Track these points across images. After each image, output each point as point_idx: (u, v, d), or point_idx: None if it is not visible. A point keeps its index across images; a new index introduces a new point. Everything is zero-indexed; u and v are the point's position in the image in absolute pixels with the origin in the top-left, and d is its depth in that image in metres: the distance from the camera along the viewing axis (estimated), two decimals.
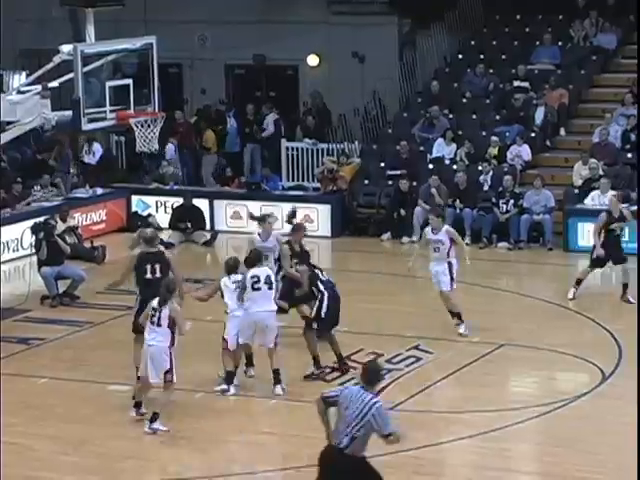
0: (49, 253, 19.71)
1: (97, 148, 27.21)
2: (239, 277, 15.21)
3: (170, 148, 26.80)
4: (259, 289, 15.07)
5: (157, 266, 14.92)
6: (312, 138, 27.06)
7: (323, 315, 15.64)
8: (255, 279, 15.09)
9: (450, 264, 17.51)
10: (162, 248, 15.78)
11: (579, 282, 19.38)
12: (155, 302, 13.96)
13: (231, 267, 15.46)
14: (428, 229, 17.84)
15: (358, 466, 10.21)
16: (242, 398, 15.23)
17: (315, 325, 15.71)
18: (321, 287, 15.70)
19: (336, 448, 10.17)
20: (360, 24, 28.49)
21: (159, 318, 13.86)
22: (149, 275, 14.91)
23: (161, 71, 19.05)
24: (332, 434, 10.26)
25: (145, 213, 25.71)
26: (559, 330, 17.88)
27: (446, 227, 17.84)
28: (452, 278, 17.53)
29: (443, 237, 17.53)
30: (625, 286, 19.19)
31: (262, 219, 17.47)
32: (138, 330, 14.57)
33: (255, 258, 15.38)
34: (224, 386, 15.29)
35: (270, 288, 15.19)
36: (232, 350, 15.24)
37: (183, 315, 14.00)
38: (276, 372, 15.22)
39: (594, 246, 19.35)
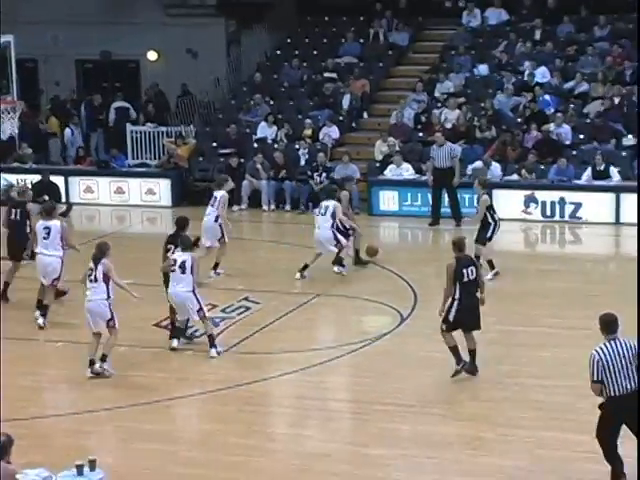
0: None
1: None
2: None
3: (67, 132, 26.31)
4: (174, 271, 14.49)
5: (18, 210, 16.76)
6: (153, 122, 26.71)
7: None
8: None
9: None
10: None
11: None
12: (91, 263, 13.88)
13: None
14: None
15: None
16: None
17: None
18: None
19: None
20: (192, 24, 28.22)
21: (95, 276, 13.77)
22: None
23: (19, 65, 18.56)
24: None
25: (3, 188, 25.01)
26: (365, 281, 18.06)
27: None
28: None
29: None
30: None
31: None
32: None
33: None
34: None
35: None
36: None
37: None
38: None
39: None
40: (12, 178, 24.97)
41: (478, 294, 13.52)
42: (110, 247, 14.16)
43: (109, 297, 13.87)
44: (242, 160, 24.49)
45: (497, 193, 21.18)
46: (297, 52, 27.87)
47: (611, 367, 10.23)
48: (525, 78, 25.07)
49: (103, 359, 13.86)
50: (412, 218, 22.30)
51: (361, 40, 27.72)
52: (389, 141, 24.07)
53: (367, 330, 15.70)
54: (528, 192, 22.05)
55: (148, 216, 23.68)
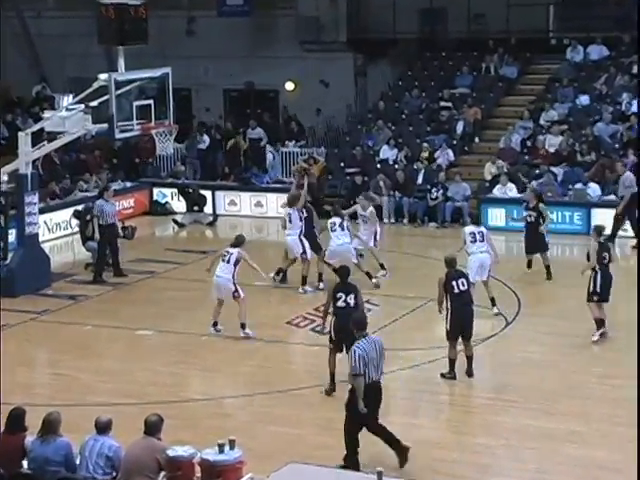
0: (93, 230, 19.49)
1: (205, 138, 27.24)
2: None
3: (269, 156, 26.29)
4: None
5: None
6: (297, 141, 26.80)
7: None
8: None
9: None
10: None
11: None
12: (229, 247, 15.24)
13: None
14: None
15: None
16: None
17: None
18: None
19: None
20: (325, 58, 28.43)
21: (229, 258, 15.06)
22: None
23: (175, 94, 18.89)
24: None
25: (163, 201, 25.59)
26: (476, 288, 17.73)
27: (371, 208, 18.46)
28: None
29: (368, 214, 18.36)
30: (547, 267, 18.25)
31: None
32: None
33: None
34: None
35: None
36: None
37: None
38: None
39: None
40: (168, 192, 25.59)
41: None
42: (245, 239, 15.49)
43: (234, 277, 15.01)
44: (366, 178, 24.56)
45: (595, 212, 20.80)
46: (417, 83, 27.83)
47: (368, 360, 10.40)
48: (623, 108, 24.58)
49: (243, 326, 15.04)
50: (517, 233, 22.02)
51: (474, 73, 27.53)
52: (498, 163, 23.85)
53: (475, 332, 15.55)
54: None
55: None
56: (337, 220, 18.04)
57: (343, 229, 17.83)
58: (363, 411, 10.50)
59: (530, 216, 18.62)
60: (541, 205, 18.53)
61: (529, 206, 18.77)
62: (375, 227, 18.56)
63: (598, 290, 14.47)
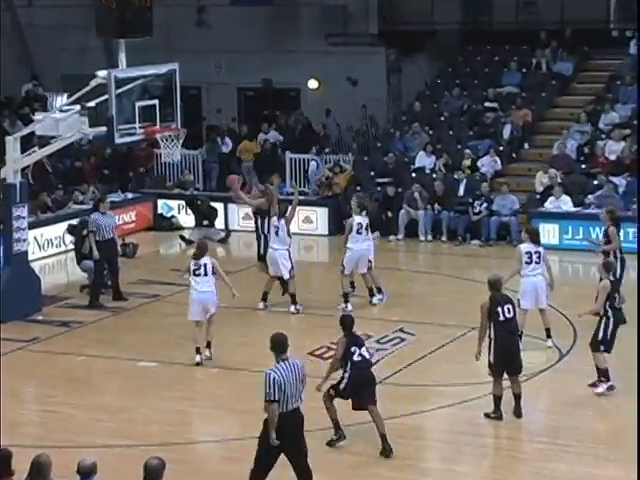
0: (89, 248, 19.54)
1: (227, 141, 27.68)
2: None
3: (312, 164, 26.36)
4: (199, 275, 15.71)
5: None
6: (318, 148, 26.84)
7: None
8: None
9: None
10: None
11: None
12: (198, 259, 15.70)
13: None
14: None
15: None
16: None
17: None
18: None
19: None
20: (353, 53, 28.52)
21: (205, 270, 15.57)
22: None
23: (183, 93, 19.01)
24: None
25: (169, 215, 25.72)
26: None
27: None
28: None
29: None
30: None
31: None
32: None
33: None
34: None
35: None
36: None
37: None
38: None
39: None
40: (174, 204, 25.70)
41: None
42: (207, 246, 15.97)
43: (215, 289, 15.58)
44: (399, 189, 24.57)
45: None
46: (458, 81, 27.85)
47: (286, 386, 10.46)
48: None
49: (208, 345, 15.61)
50: (573, 252, 21.96)
51: (523, 69, 27.51)
52: (550, 172, 23.81)
53: (525, 365, 15.47)
54: None
55: (305, 244, 23.92)
56: (364, 221, 18.19)
57: (368, 232, 18.24)
58: (274, 443, 10.55)
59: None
60: (611, 229, 17.46)
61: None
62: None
63: (608, 338, 14.06)
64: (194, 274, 15.69)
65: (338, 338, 12.75)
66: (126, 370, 15.56)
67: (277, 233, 18.05)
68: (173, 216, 25.62)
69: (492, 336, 13.24)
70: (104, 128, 17.71)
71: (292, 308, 18.05)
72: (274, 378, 10.51)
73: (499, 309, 13.26)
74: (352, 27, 29.01)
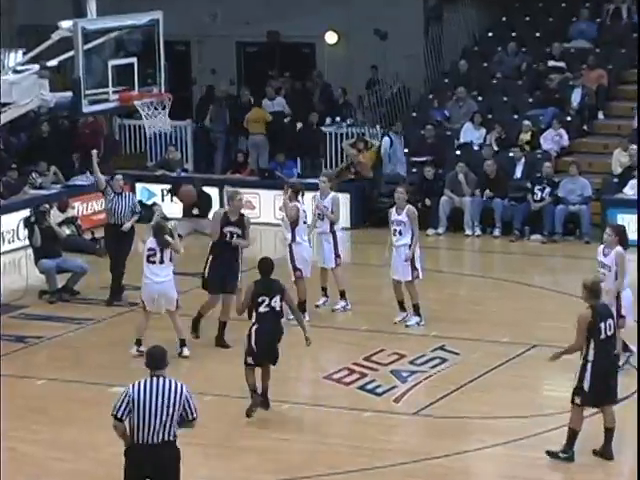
0: (44, 240, 19.60)
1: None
2: None
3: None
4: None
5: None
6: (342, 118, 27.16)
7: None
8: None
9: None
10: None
11: None
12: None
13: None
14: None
15: None
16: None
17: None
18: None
19: None
20: None
21: (162, 257, 16.38)
22: None
23: (167, 49, 19.06)
24: None
25: (150, 202, 25.73)
26: None
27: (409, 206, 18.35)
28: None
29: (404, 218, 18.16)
30: None
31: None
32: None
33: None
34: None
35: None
36: None
37: None
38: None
39: None
40: (156, 189, 25.75)
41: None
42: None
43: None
44: (440, 171, 24.60)
45: None
46: (514, 34, 27.89)
47: (141, 411, 10.37)
48: None
49: (183, 343, 16.59)
50: None
51: (597, 20, 27.54)
52: (631, 150, 23.80)
53: None
54: None
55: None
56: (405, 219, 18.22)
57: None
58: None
59: None
60: None
61: None
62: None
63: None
64: (148, 260, 16.41)
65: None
66: (94, 397, 15.55)
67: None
68: (155, 203, 25.64)
69: (589, 358, 13.12)
70: (69, 93, 17.75)
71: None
72: (128, 394, 10.53)
73: (602, 325, 13.15)
74: None
